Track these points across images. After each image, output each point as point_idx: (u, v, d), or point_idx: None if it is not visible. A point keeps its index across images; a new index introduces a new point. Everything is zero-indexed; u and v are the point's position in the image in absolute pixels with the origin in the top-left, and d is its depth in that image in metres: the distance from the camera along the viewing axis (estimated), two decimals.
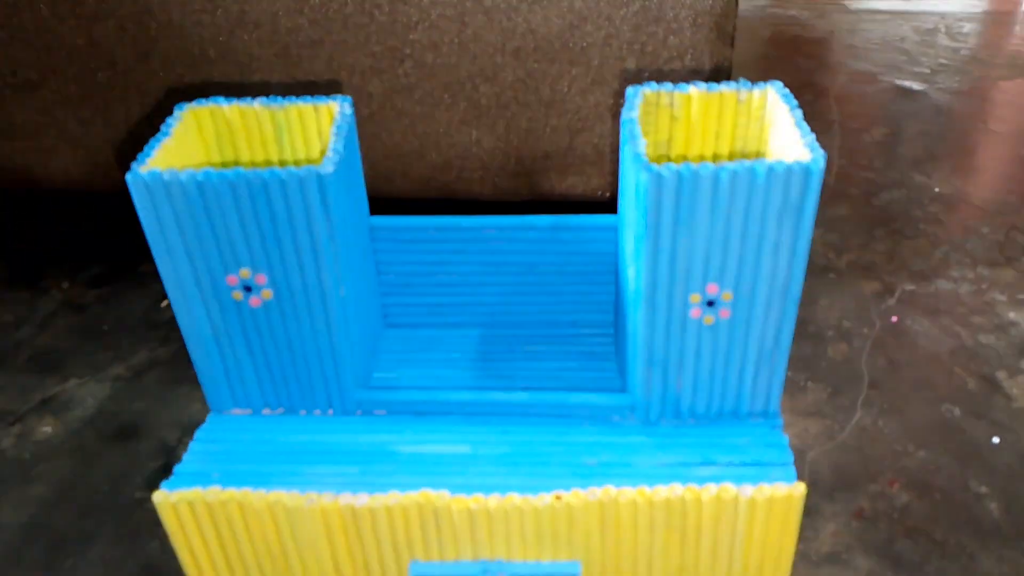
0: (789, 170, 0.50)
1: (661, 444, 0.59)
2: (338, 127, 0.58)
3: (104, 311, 1.08)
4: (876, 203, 1.24)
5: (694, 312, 0.56)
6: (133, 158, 1.04)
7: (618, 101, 0.96)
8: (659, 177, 0.50)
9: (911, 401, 0.90)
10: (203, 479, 0.58)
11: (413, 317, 0.71)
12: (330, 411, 0.63)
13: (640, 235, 0.53)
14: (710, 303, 0.55)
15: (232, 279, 0.57)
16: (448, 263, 0.68)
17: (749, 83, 0.60)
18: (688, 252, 0.53)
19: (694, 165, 0.50)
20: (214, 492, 0.55)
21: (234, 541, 0.57)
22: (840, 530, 0.77)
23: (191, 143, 0.60)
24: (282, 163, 0.63)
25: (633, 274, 0.56)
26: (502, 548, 0.56)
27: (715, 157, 0.62)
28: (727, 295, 0.55)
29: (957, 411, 0.88)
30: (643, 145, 0.53)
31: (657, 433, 0.60)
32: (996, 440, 0.84)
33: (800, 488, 0.54)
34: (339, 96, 0.61)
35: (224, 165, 0.63)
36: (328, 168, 0.53)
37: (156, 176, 0.52)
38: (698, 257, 0.53)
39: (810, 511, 0.78)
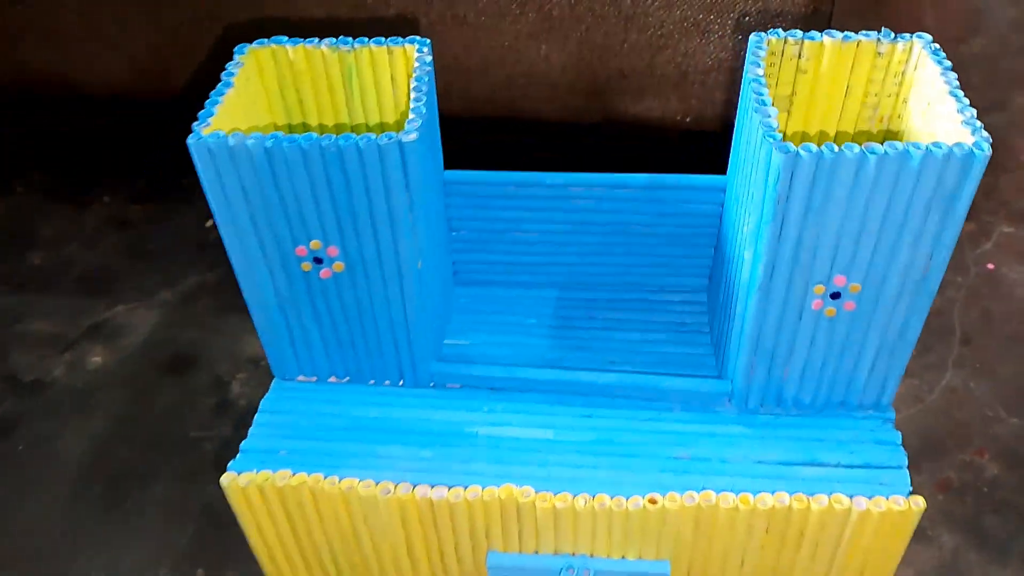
0: (948, 156, 0.43)
1: (761, 437, 0.55)
2: (418, 80, 0.51)
3: (150, 229, 1.04)
4: None
5: (815, 303, 0.50)
6: (174, 64, 0.97)
7: (707, 16, 0.87)
8: (796, 159, 0.43)
9: (1004, 360, 0.84)
10: (271, 459, 0.54)
11: (486, 275, 0.66)
12: (400, 382, 0.59)
13: (764, 219, 0.46)
14: (835, 295, 0.49)
15: (302, 250, 0.51)
16: (526, 220, 0.62)
17: (891, 33, 0.52)
18: (817, 241, 0.47)
19: (836, 147, 0.43)
20: (284, 476, 0.52)
21: (305, 523, 0.54)
22: (926, 502, 0.73)
23: (253, 91, 0.53)
24: (351, 115, 0.56)
25: (750, 258, 0.49)
26: (586, 545, 0.53)
27: (843, 115, 0.54)
28: (855, 287, 0.49)
29: None
30: (775, 115, 0.46)
31: (756, 423, 0.56)
32: None
33: (919, 503, 0.49)
34: (416, 38, 0.53)
35: (289, 118, 0.56)
36: (411, 136, 0.46)
37: (220, 140, 0.46)
38: (828, 247, 0.47)
39: None
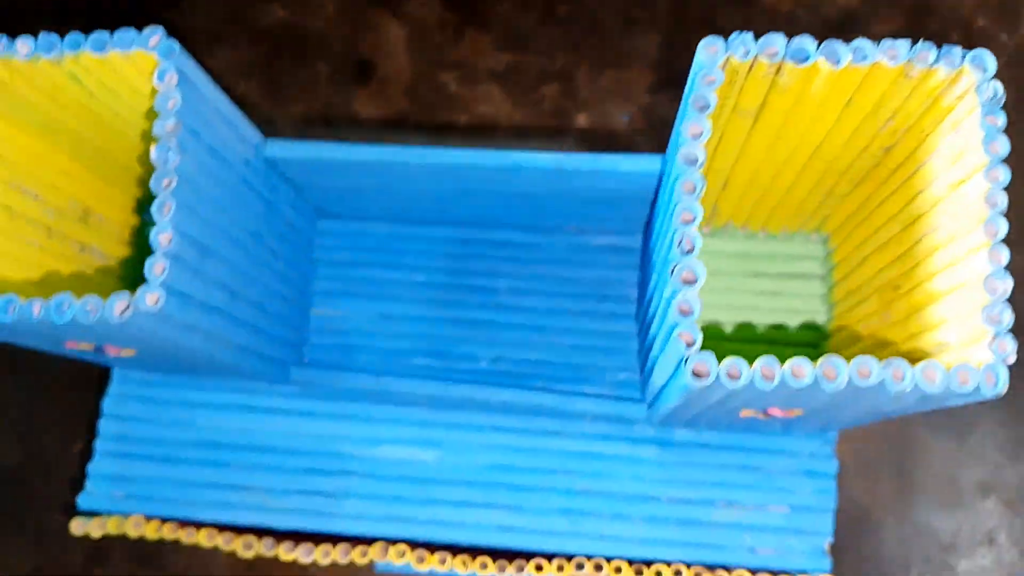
0: (945, 393, 0.29)
1: (676, 464, 0.47)
2: (159, 150, 0.32)
3: None
4: None
5: (743, 414, 0.39)
6: None
7: None
8: (714, 387, 0.29)
9: None
10: (123, 489, 0.49)
11: (355, 210, 0.51)
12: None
13: (672, 389, 0.33)
14: (767, 413, 0.38)
15: (72, 344, 0.39)
16: (395, 186, 0.46)
17: (933, 47, 0.31)
18: (743, 401, 0.34)
19: (775, 372, 0.29)
20: (137, 521, 0.48)
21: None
22: None
23: None
24: (99, 107, 0.38)
25: (661, 380, 0.37)
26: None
27: (836, 126, 0.36)
28: (795, 412, 0.37)
29: None
30: (698, 277, 0.30)
31: (673, 442, 0.48)
32: None
33: None
34: (156, 30, 0.33)
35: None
36: (154, 298, 0.31)
37: None
38: (757, 403, 0.35)
39: None
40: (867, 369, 0.28)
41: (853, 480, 0.66)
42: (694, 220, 0.30)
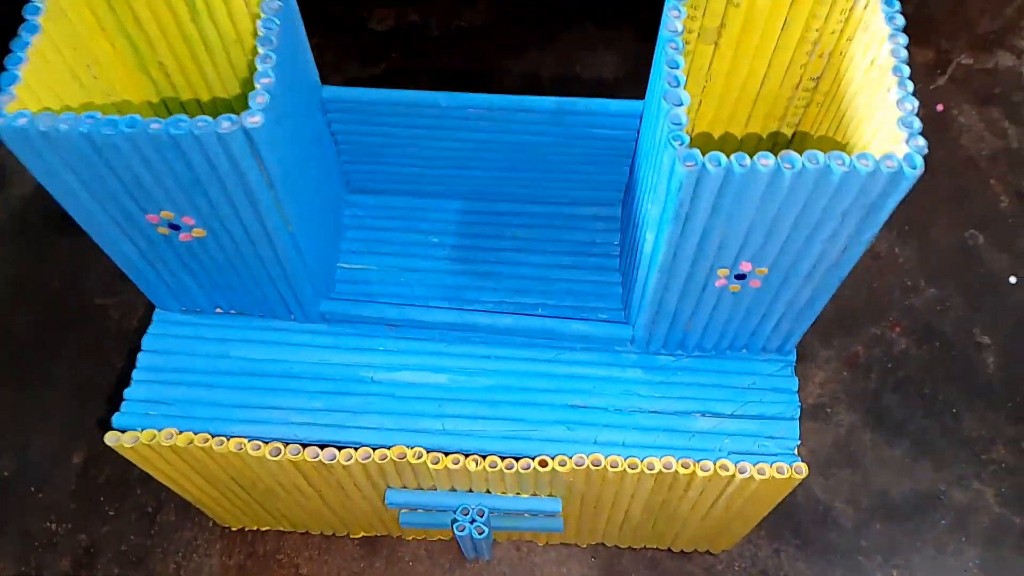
0: (874, 173, 0.38)
1: (659, 383, 0.54)
2: (266, 25, 0.42)
3: None
4: None
5: (718, 282, 0.46)
6: None
7: None
8: (701, 175, 0.38)
9: (935, 221, 0.82)
10: (156, 408, 0.53)
11: (382, 183, 0.60)
12: (292, 317, 0.56)
13: (666, 214, 0.42)
14: (739, 276, 0.46)
15: (153, 218, 0.45)
16: (422, 138, 0.55)
17: None
18: (723, 237, 0.42)
19: (748, 161, 0.37)
20: (169, 434, 0.51)
21: (200, 465, 0.54)
22: (830, 379, 0.75)
23: (73, 20, 0.44)
24: (199, 27, 0.47)
25: (652, 240, 0.45)
26: (481, 487, 0.54)
27: (777, 50, 0.47)
28: (761, 271, 0.45)
29: (981, 239, 0.81)
30: (685, 102, 0.39)
31: (656, 366, 0.54)
32: (1013, 280, 0.79)
33: (801, 470, 0.50)
34: None
35: (125, 34, 0.47)
36: (255, 119, 0.39)
37: (30, 124, 0.39)
38: (734, 242, 0.43)
39: (804, 356, 0.76)
40: (815, 159, 0.37)
41: (813, 479, 0.72)
42: (678, 67, 0.40)
